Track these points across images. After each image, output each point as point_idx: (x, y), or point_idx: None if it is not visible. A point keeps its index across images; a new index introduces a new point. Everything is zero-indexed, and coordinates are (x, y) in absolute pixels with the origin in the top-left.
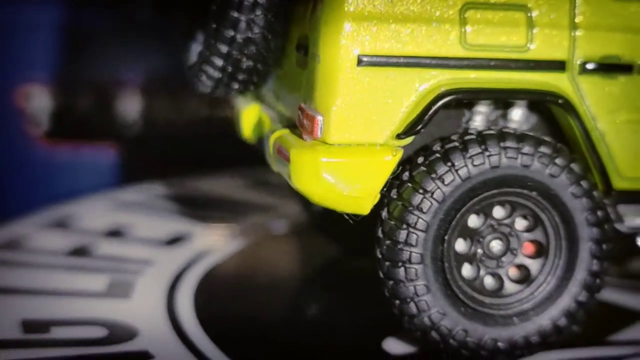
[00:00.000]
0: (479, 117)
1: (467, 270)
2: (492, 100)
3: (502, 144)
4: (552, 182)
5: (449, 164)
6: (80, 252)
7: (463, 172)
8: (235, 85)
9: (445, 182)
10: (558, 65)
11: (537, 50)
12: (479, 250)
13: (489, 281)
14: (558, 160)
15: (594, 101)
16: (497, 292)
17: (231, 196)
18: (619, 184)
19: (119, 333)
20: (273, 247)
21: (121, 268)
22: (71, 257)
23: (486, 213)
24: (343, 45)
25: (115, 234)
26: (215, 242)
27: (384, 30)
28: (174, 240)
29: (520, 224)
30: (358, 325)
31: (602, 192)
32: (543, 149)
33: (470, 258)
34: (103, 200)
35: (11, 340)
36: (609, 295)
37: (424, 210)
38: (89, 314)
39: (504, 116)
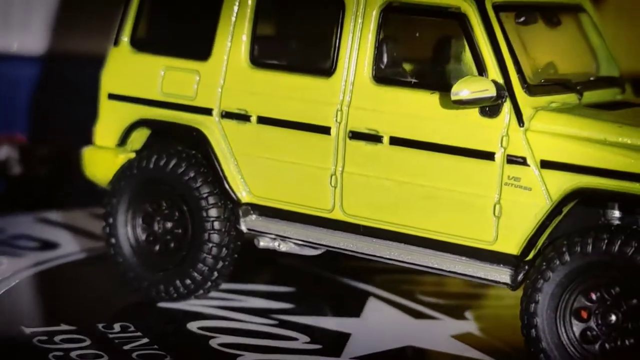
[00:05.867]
0: None
1: (151, 238)
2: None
3: (159, 157)
4: (182, 185)
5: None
6: None
7: (129, 165)
8: None
9: (130, 173)
10: (208, 111)
11: (199, 99)
12: (158, 227)
13: (159, 246)
14: (187, 171)
15: (232, 138)
16: (162, 252)
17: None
18: (245, 198)
19: None
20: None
21: None
22: None
23: (158, 202)
24: (102, 85)
25: None
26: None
27: (123, 78)
28: None
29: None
30: None
31: (233, 202)
32: (180, 162)
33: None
34: None
35: None
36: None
37: (115, 195)
38: None
39: None
